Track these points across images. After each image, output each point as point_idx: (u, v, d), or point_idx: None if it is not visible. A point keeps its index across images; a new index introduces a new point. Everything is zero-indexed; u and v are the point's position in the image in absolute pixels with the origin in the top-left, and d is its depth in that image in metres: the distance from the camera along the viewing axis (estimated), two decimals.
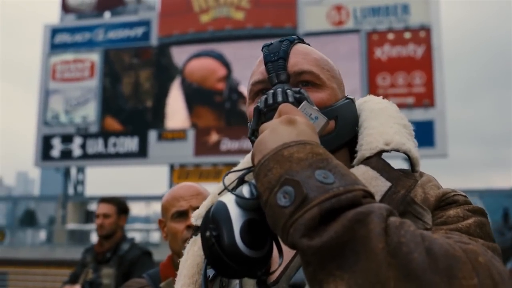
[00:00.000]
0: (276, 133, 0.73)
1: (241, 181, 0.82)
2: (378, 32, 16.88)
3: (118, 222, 3.58)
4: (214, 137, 17.43)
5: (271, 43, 1.00)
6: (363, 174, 0.87)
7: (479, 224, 0.80)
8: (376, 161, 0.90)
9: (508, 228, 13.71)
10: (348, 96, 1.03)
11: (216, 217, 0.76)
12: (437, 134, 15.76)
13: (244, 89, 17.30)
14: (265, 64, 0.97)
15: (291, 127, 0.74)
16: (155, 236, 18.77)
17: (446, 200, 0.86)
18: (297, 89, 0.92)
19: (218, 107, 17.72)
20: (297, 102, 0.88)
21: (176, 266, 1.92)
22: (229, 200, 0.78)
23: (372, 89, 16.46)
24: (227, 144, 17.25)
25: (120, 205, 3.63)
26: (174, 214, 1.91)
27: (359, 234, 0.59)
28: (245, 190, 0.77)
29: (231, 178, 0.92)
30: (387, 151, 0.92)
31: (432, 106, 16.03)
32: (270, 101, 0.90)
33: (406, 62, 16.53)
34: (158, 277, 1.94)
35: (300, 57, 0.98)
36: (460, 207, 0.84)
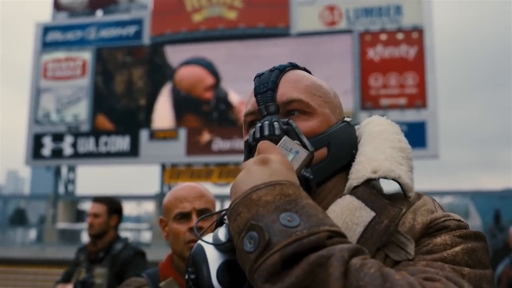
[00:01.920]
0: (249, 174, 0.75)
1: (219, 222, 0.86)
2: (370, 33, 16.93)
3: (109, 222, 3.55)
4: (205, 136, 17.41)
5: (263, 73, 0.99)
6: (348, 204, 0.87)
7: (468, 251, 0.78)
8: (362, 190, 0.89)
9: (500, 230, 13.77)
10: (345, 119, 1.01)
11: (195, 260, 0.79)
12: (429, 135, 15.84)
13: (233, 98, 17.33)
14: (255, 96, 0.97)
15: (264, 167, 0.75)
16: (146, 236, 18.73)
17: (435, 227, 0.83)
18: (286, 120, 0.91)
19: (206, 116, 17.72)
20: (285, 134, 0.88)
21: (175, 266, 1.92)
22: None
23: (364, 89, 16.51)
24: (219, 144, 17.23)
25: (111, 205, 3.61)
26: (176, 215, 1.90)
27: (319, 278, 0.61)
28: (221, 233, 0.80)
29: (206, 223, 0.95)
30: (374, 179, 0.90)
31: (424, 107, 16.11)
32: (257, 135, 0.90)
33: (398, 63, 16.59)
34: (158, 276, 1.93)
35: (289, 86, 0.96)
36: (450, 233, 0.81)
